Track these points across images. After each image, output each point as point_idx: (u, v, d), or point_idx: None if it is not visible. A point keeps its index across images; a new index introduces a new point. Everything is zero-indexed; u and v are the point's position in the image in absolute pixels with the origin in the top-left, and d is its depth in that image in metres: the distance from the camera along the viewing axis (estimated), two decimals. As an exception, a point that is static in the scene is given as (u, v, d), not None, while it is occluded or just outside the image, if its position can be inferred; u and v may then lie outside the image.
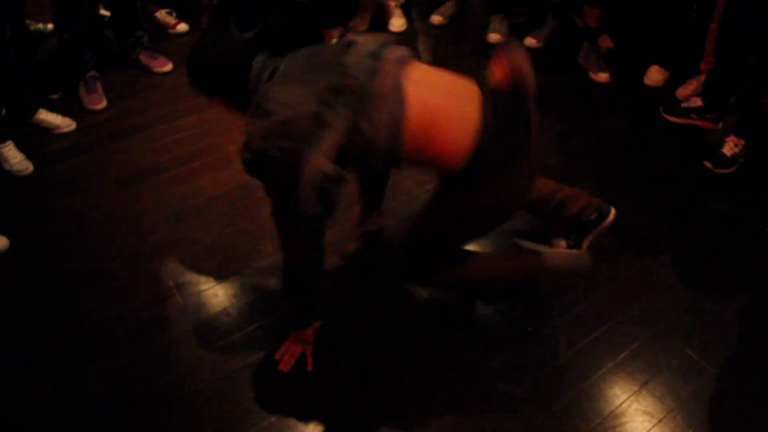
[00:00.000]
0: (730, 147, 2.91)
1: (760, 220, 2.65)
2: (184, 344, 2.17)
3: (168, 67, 3.56)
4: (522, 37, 3.77)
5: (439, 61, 3.60)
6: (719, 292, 2.37)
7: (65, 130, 3.12)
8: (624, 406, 2.01)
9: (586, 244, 2.39)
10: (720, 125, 3.14)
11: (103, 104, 3.28)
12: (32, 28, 3.61)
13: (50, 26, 3.66)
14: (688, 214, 2.70)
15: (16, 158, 2.86)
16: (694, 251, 2.53)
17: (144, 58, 3.55)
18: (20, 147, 2.90)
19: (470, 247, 2.19)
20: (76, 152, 3.01)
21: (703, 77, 3.22)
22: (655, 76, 3.45)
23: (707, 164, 2.92)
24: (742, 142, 2.90)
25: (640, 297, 2.34)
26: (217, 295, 2.34)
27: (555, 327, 2.23)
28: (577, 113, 3.27)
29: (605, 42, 3.70)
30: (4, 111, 2.92)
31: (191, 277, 2.40)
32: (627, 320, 2.25)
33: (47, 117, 3.09)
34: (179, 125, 3.17)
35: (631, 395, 2.03)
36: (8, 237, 2.53)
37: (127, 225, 2.62)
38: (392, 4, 3.90)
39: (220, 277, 2.40)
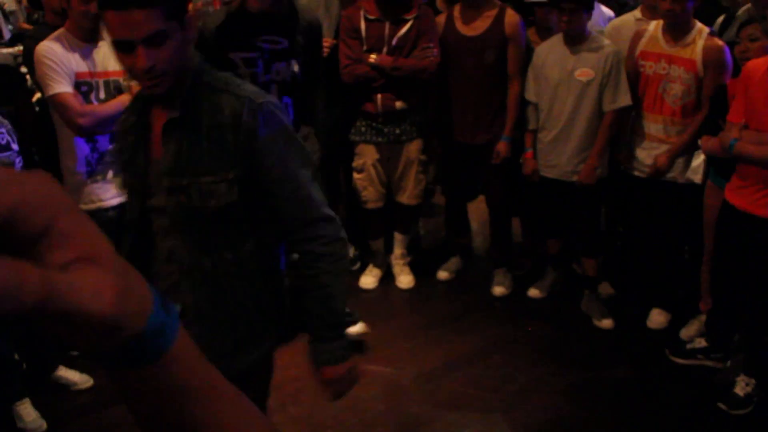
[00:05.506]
0: (741, 387, 2.87)
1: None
2: None
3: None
4: (525, 288, 3.93)
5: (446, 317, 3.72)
6: None
7: (82, 386, 3.14)
8: None
9: None
10: (728, 364, 3.12)
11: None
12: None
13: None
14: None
15: (30, 416, 2.86)
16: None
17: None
18: (34, 403, 2.91)
19: None
20: (91, 410, 3.00)
21: (704, 317, 3.28)
22: (657, 318, 3.51)
23: (722, 406, 2.86)
24: (753, 380, 2.87)
25: None
26: None
27: None
28: (584, 363, 3.28)
29: (606, 288, 3.83)
30: (24, 366, 3.00)
31: None
32: None
33: (66, 374, 3.13)
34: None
35: None
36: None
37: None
38: (400, 262, 4.11)
39: None
